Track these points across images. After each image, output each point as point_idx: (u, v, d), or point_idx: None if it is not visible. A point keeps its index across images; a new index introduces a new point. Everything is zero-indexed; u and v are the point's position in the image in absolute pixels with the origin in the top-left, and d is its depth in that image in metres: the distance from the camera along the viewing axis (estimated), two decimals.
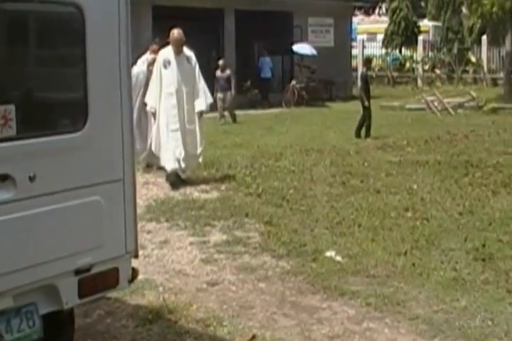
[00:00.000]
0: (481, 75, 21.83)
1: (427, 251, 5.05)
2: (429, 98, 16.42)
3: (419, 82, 22.77)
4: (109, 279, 2.92)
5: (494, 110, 15.27)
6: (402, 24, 26.07)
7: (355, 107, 13.59)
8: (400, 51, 25.92)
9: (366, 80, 11.66)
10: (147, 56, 8.37)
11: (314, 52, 17.91)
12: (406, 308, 4.00)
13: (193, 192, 7.16)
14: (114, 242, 2.93)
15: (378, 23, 29.83)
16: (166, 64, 7.34)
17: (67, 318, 3.08)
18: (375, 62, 21.84)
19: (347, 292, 4.25)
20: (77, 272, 2.78)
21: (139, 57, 8.14)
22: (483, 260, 4.82)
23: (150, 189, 7.36)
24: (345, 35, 20.53)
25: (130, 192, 3.00)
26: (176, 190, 7.22)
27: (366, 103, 11.31)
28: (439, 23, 26.76)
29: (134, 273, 3.06)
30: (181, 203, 6.65)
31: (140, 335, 3.67)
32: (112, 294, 3.67)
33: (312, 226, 5.79)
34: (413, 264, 4.75)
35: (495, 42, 21.89)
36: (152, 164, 8.07)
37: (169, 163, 7.38)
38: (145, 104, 7.68)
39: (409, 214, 6.17)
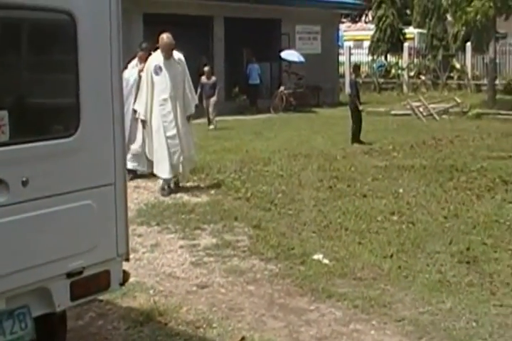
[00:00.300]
0: (465, 81, 22.00)
1: (412, 254, 5.11)
2: (415, 104, 16.53)
3: (405, 88, 22.91)
4: (100, 282, 2.96)
5: (478, 115, 15.37)
6: (388, 31, 26.22)
7: (343, 113, 13.70)
8: (386, 58, 26.09)
9: (356, 87, 11.81)
10: (136, 62, 8.39)
11: (302, 59, 18.00)
12: (392, 310, 4.06)
13: (183, 196, 7.20)
14: (106, 245, 2.97)
15: (365, 30, 30.00)
16: (158, 70, 7.19)
17: (60, 320, 3.12)
18: (362, 69, 21.95)
19: (334, 294, 4.30)
20: (70, 275, 2.81)
21: (129, 62, 8.15)
22: (468, 263, 4.89)
23: (141, 193, 7.40)
24: (332, 42, 20.63)
25: (121, 196, 3.04)
26: (166, 196, 7.24)
27: (361, 107, 11.51)
28: (424, 31, 26.94)
29: (126, 275, 3.10)
30: (172, 207, 6.69)
31: (131, 337, 3.71)
32: (104, 296, 3.70)
33: (300, 229, 5.85)
34: (399, 267, 4.81)
35: (479, 49, 22.07)
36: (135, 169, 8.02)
37: (164, 173, 7.30)
38: (135, 111, 7.65)
39: (395, 217, 6.25)
